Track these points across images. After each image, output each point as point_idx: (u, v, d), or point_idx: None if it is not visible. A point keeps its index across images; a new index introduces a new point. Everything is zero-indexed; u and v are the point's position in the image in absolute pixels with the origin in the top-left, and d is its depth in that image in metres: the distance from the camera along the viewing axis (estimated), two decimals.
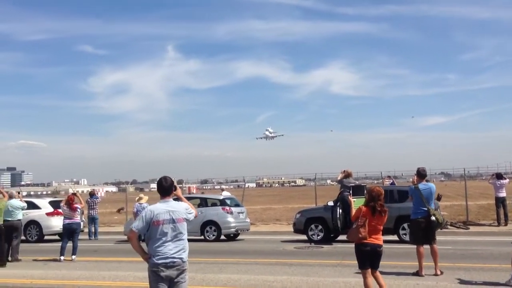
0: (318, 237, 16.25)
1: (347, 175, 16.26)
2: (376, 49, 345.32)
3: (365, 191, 11.71)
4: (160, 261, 5.08)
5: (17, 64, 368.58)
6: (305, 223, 16.61)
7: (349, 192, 15.28)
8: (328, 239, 16.20)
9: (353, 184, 16.14)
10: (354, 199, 9.22)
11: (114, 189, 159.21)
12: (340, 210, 15.79)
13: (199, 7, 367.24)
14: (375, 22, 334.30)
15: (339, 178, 16.44)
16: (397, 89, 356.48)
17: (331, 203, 16.28)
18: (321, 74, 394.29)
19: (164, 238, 5.12)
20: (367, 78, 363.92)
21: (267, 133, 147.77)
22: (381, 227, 7.23)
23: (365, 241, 7.04)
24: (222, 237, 18.04)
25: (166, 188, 5.29)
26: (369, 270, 7.20)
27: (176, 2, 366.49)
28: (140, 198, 17.01)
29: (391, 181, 17.91)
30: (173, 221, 5.15)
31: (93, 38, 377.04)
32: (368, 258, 7.14)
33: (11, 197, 14.87)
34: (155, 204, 5.31)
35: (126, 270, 11.39)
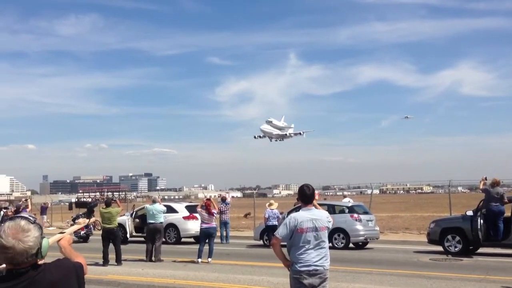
0: (456, 249, 15.16)
1: (495, 183, 14.89)
2: None
3: None
4: (303, 269, 5.12)
5: (155, 78, 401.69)
6: (440, 234, 15.61)
7: (497, 203, 14.12)
8: (467, 251, 15.05)
9: (502, 193, 14.82)
10: None
11: (239, 194, 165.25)
12: (482, 221, 14.60)
13: (321, 14, 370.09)
14: (511, 16, 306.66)
15: (482, 187, 15.20)
16: None
17: (470, 213, 15.10)
18: (449, 75, 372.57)
19: (307, 246, 5.15)
20: (503, 77, 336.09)
21: (266, 128, 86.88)
22: None
23: None
24: (350, 245, 17.71)
25: (308, 196, 5.33)
26: None
27: (299, 10, 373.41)
28: (271, 204, 17.40)
29: None
30: (316, 229, 5.17)
31: (220, 50, 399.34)
32: None
33: (154, 202, 16.18)
34: (298, 212, 5.38)
35: (260, 274, 11.69)
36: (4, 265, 2.48)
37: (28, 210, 18.02)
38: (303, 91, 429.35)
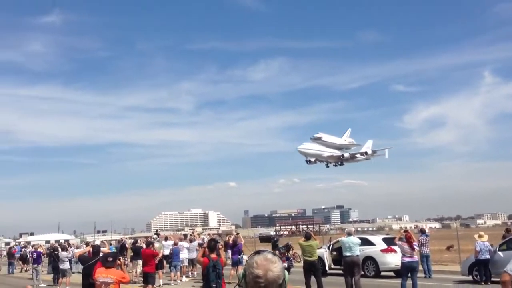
0: None
1: None
2: None
3: None
4: None
5: (340, 111, 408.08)
6: None
7: None
8: None
9: None
10: None
11: (437, 225, 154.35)
12: None
13: None
14: None
15: None
16: None
17: None
18: None
19: None
20: None
21: (308, 148, 60.54)
22: None
23: None
24: None
25: None
26: None
27: (488, 25, 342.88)
28: (481, 236, 15.96)
29: None
30: None
31: (404, 77, 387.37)
32: None
33: (349, 234, 16.06)
34: None
35: None
36: None
37: (242, 243, 19.73)
38: (502, 111, 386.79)
